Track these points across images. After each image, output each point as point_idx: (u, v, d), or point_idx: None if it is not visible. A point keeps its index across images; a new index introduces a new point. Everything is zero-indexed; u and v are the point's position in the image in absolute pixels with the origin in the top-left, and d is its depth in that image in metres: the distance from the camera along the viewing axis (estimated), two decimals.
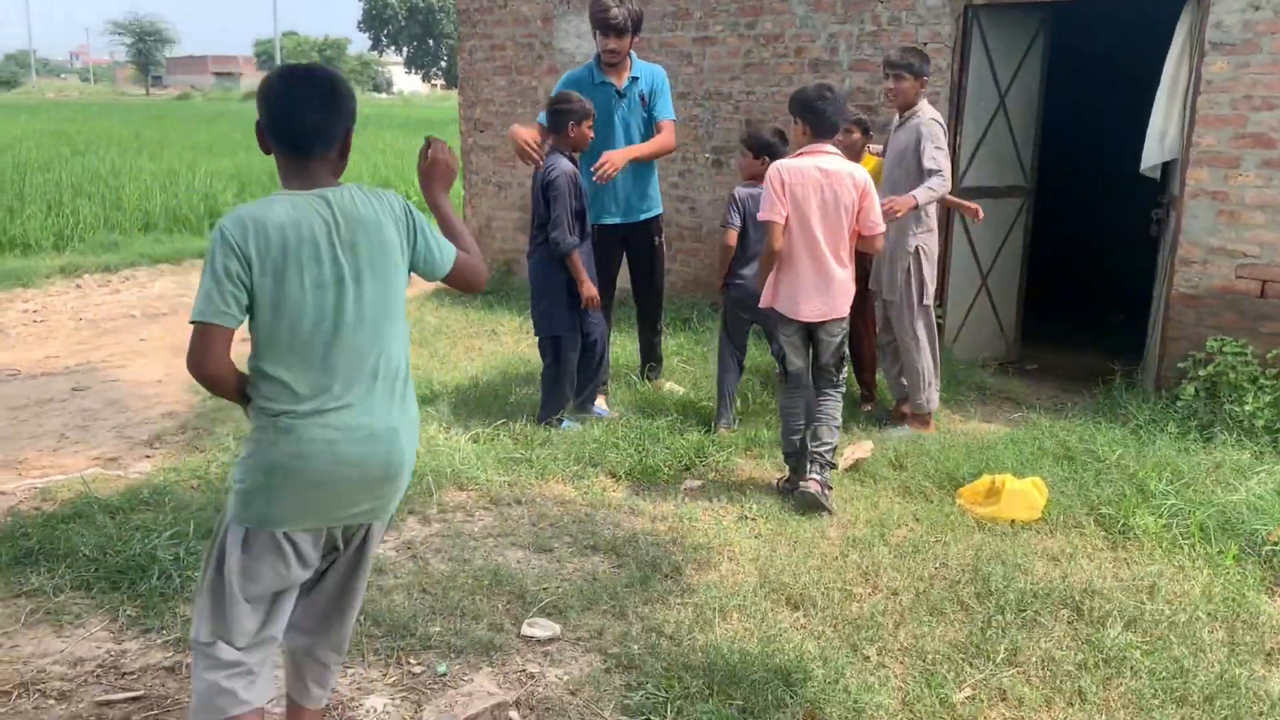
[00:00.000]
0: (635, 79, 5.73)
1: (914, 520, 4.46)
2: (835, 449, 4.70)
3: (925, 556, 4.09)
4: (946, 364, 6.48)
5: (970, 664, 3.33)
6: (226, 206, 13.73)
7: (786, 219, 4.51)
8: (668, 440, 5.24)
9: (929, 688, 3.18)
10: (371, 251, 2.46)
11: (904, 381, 5.78)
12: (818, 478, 4.58)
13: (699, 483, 4.88)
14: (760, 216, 4.60)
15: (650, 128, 5.79)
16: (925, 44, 6.53)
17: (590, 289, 5.40)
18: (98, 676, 3.27)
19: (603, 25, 5.52)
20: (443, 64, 66.91)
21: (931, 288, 5.60)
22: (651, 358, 6.23)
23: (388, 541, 4.23)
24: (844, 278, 4.63)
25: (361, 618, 3.56)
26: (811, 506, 4.49)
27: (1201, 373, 5.59)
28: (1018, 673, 3.29)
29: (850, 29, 6.90)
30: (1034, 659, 3.35)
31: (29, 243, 11.76)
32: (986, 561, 4.00)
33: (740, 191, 5.39)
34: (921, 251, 5.52)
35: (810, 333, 4.70)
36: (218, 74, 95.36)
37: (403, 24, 65.19)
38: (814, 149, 4.55)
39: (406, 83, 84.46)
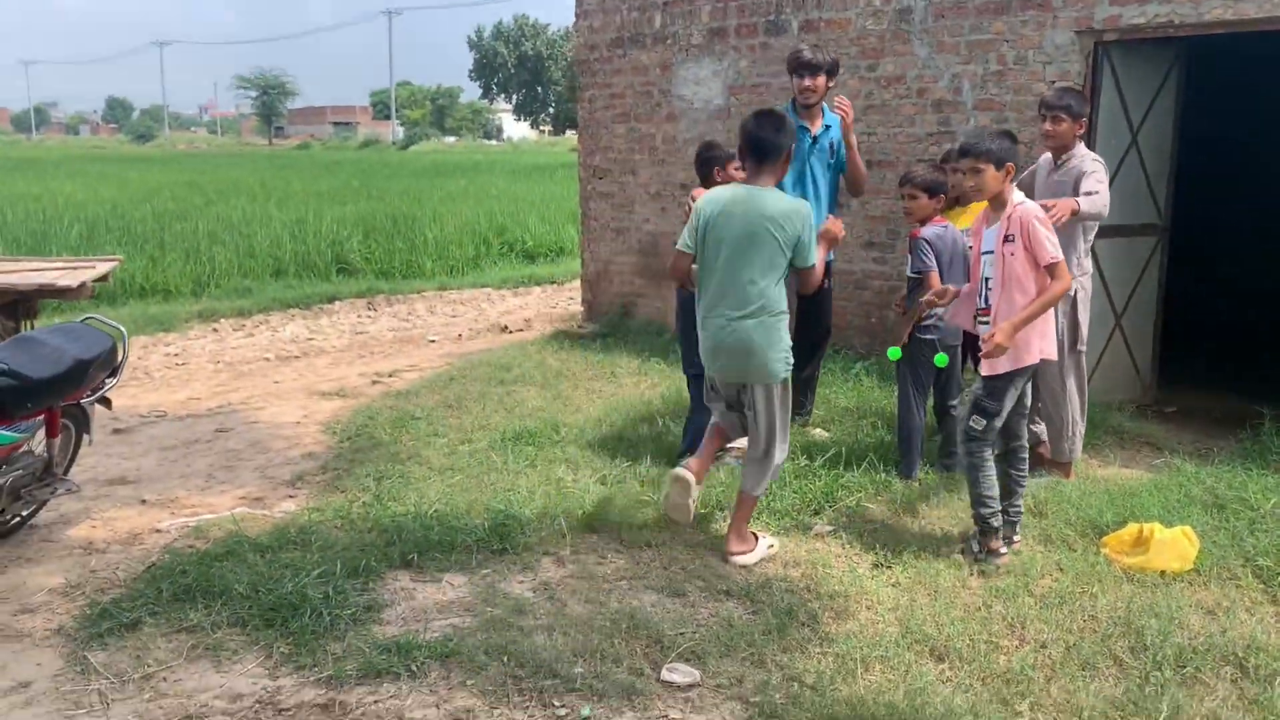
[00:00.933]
0: (828, 127, 5.82)
1: (1058, 570, 4.33)
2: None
3: (1073, 608, 3.96)
4: None
5: None
6: (353, 253, 14.24)
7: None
8: (794, 485, 5.21)
9: None
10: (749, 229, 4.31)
11: (1037, 426, 5.62)
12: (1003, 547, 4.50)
13: (830, 527, 4.82)
14: (1053, 257, 4.28)
15: (835, 176, 5.85)
16: (1054, 83, 6.42)
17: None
18: (256, 712, 3.38)
19: (798, 65, 5.66)
20: (550, 110, 68.39)
21: (1085, 333, 5.44)
22: (807, 394, 6.20)
23: (524, 582, 4.30)
24: None
25: (505, 658, 3.62)
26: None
27: None
28: None
29: (974, 69, 6.84)
30: (1198, 719, 3.21)
31: (169, 289, 12.40)
32: (1138, 614, 3.85)
33: (927, 232, 5.34)
34: (1079, 294, 5.38)
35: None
36: (336, 123, 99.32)
37: (512, 72, 66.95)
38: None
39: (515, 129, 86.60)
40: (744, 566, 4.44)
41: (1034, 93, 6.55)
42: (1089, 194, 5.05)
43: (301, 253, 14.14)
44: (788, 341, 4.52)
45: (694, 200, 5.41)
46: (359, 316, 11.59)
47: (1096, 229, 5.40)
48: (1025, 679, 3.45)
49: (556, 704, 3.39)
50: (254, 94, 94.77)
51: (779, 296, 4.44)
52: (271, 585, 4.10)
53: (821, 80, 5.68)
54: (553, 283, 13.98)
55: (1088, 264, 5.42)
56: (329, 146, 73.89)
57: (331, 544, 4.55)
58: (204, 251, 13.79)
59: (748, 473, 4.61)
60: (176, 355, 9.42)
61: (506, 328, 10.70)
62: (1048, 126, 5.25)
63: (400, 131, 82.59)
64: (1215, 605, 3.99)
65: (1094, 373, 6.72)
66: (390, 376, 8.39)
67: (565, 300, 12.45)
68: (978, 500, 4.44)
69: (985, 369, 4.41)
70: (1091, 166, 5.20)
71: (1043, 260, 4.30)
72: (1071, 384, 5.42)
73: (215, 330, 10.61)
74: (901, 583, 4.24)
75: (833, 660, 3.60)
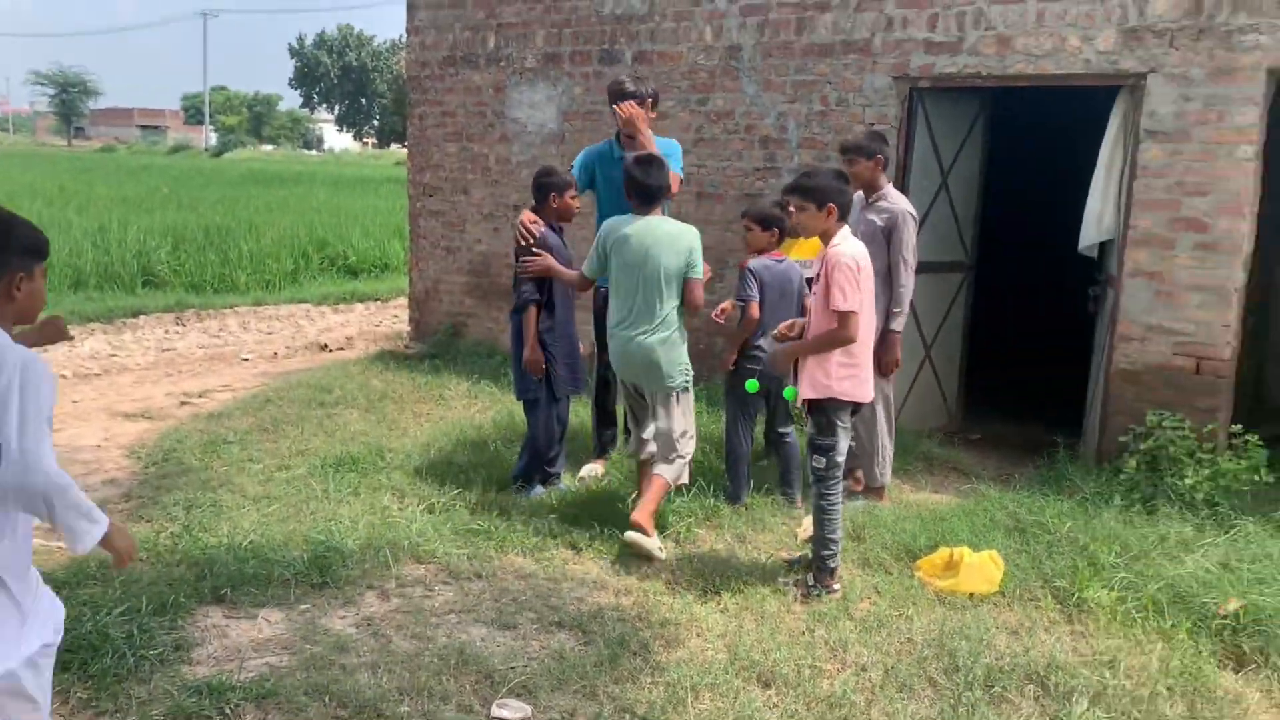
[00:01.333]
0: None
1: (876, 593, 4.50)
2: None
3: (890, 631, 4.12)
4: (895, 434, 6.59)
5: None
6: (161, 264, 13.47)
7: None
8: (627, 510, 5.22)
9: None
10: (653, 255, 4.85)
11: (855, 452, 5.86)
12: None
13: (663, 554, 4.86)
14: (841, 306, 4.31)
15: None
16: (872, 125, 6.73)
17: (535, 354, 5.43)
18: None
19: (619, 98, 5.64)
20: (375, 123, 66.88)
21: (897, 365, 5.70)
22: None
23: (346, 617, 4.14)
24: None
25: (326, 698, 3.47)
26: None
27: (1142, 446, 5.77)
28: None
29: (799, 108, 7.09)
30: None
31: None
32: (950, 636, 4.04)
33: (754, 264, 5.47)
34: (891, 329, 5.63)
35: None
36: (144, 126, 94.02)
37: (335, 82, 65.13)
38: (845, 230, 4.51)
39: (338, 141, 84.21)
40: (636, 544, 4.71)
41: (854, 133, 6.84)
42: (901, 286, 5.48)
43: (104, 263, 13.26)
44: (686, 357, 5.09)
45: (525, 222, 5.40)
46: (166, 332, 10.96)
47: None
48: (847, 703, 3.56)
49: None
50: (52, 91, 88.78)
51: (679, 316, 5.03)
52: (69, 625, 3.77)
53: (646, 109, 5.74)
54: (377, 300, 13.62)
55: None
56: (135, 150, 69.84)
57: (136, 579, 4.25)
58: None
59: (661, 467, 5.02)
60: None
61: (326, 346, 10.34)
62: (845, 169, 5.50)
63: (214, 137, 79.01)
64: (1019, 626, 4.23)
65: (905, 402, 7.06)
66: (200, 397, 7.97)
67: (390, 319, 12.15)
68: (821, 541, 4.49)
69: (803, 394, 4.55)
70: (906, 234, 5.47)
71: (833, 305, 4.37)
72: (880, 411, 5.67)
73: None
74: (730, 609, 4.31)
75: (663, 690, 3.62)
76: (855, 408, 4.60)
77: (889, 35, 6.64)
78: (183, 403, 7.77)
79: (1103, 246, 6.43)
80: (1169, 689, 3.70)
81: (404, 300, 11.77)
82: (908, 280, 5.50)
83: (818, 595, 4.44)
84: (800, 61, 7.05)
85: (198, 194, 24.05)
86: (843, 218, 4.48)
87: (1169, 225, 5.85)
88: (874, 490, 5.74)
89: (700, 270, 5.00)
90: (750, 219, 5.54)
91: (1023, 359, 9.30)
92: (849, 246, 4.45)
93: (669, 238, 4.94)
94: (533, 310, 5.38)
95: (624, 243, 4.96)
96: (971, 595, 4.46)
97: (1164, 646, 4.01)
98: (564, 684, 3.65)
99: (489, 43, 8.64)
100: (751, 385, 5.29)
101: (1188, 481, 5.48)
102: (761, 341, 5.34)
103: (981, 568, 4.57)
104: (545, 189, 5.46)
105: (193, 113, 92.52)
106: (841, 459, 4.53)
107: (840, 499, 4.54)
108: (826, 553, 4.48)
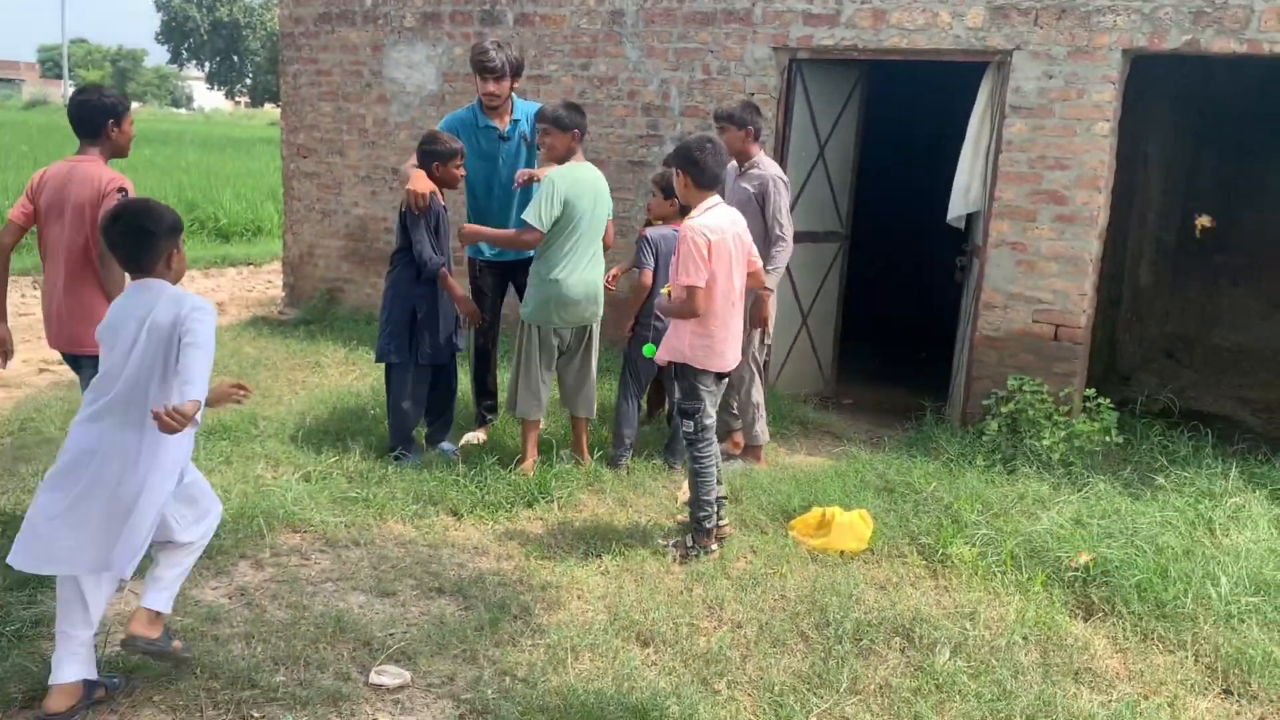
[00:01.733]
0: (516, 121, 5.73)
1: (751, 552, 4.62)
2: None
3: (765, 589, 4.24)
4: (772, 399, 6.75)
5: (815, 694, 3.47)
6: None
7: (708, 280, 4.43)
8: (507, 476, 5.23)
9: (778, 719, 3.30)
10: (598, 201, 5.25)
11: (734, 414, 5.99)
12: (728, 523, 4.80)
13: (541, 519, 4.89)
14: (684, 281, 4.41)
15: (534, 165, 5.80)
16: (753, 94, 6.82)
17: (469, 305, 5.54)
18: None
19: (481, 69, 5.49)
20: (248, 81, 64.40)
21: (771, 324, 5.82)
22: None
23: (219, 588, 4.05)
24: (740, 326, 4.77)
25: (198, 669, 3.40)
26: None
27: (1004, 409, 6.04)
28: (859, 701, 3.46)
29: (682, 76, 7.12)
30: (873, 687, 3.54)
31: None
32: (822, 592, 4.18)
33: (652, 233, 5.52)
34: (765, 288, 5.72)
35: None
36: None
37: (205, 38, 62.37)
38: (712, 203, 4.54)
39: (208, 99, 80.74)
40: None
41: (728, 103, 6.91)
42: (777, 239, 5.57)
43: None
44: None
45: (409, 180, 5.31)
46: (23, 297, 10.39)
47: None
48: (723, 659, 3.66)
49: (256, 715, 3.22)
50: None
51: None
52: None
53: (506, 85, 5.60)
54: (249, 264, 13.18)
55: (775, 261, 5.76)
56: None
57: None
58: None
59: (585, 401, 5.56)
60: None
61: None
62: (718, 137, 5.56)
63: (73, 93, 74.83)
64: (886, 581, 4.40)
65: (782, 368, 7.23)
66: (61, 364, 7.60)
67: (263, 284, 11.79)
68: (696, 503, 4.59)
69: (659, 358, 4.76)
70: (776, 191, 5.57)
71: (674, 278, 4.52)
72: (755, 372, 5.80)
73: None
74: (610, 571, 4.37)
75: (544, 652, 3.66)
76: (722, 374, 4.69)
77: (769, 6, 6.72)
78: (41, 370, 7.43)
79: (970, 218, 6.67)
80: (1024, 638, 3.91)
81: (278, 265, 11.43)
82: (781, 244, 5.59)
83: (696, 555, 4.54)
84: (683, 29, 7.07)
85: (57, 152, 22.74)
86: (706, 186, 4.50)
87: (1030, 198, 6.10)
88: (752, 450, 5.87)
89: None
90: (656, 185, 5.63)
91: (895, 327, 9.60)
92: (704, 219, 4.46)
93: (603, 181, 5.35)
94: (444, 272, 5.37)
95: (580, 188, 5.15)
96: (842, 553, 4.62)
97: (1020, 598, 4.23)
98: (444, 649, 3.65)
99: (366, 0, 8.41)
100: (648, 350, 5.34)
101: (1045, 442, 5.76)
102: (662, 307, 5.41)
103: (852, 526, 4.73)
104: (430, 155, 5.36)
105: (50, 66, 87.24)
106: (710, 421, 4.63)
107: (713, 461, 4.64)
108: (702, 514, 4.58)
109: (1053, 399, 6.01)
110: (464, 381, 6.18)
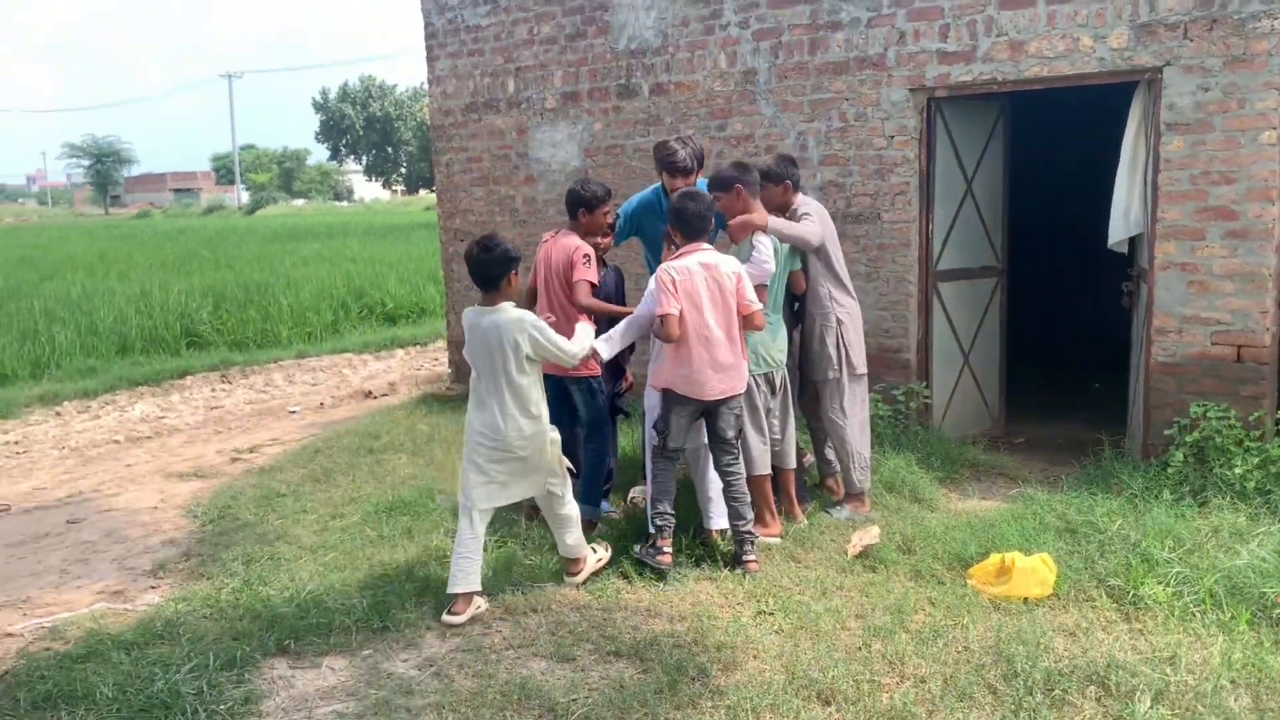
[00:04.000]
0: None
1: (930, 604, 4.50)
2: (750, 519, 5.07)
3: (947, 641, 4.13)
4: (939, 442, 6.61)
5: None
6: (204, 324, 13.75)
7: (680, 311, 4.84)
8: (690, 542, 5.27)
9: None
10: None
11: (830, 458, 5.93)
12: (753, 558, 4.96)
13: (710, 578, 4.90)
14: (656, 311, 4.89)
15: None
16: (892, 137, 6.79)
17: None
18: None
19: (669, 167, 5.61)
20: (402, 170, 67.70)
21: (859, 358, 5.71)
22: None
23: (408, 660, 4.22)
24: (738, 357, 4.98)
25: None
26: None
27: (1188, 438, 5.73)
28: None
29: (818, 126, 7.16)
30: None
31: (5, 373, 11.71)
32: (1007, 642, 4.04)
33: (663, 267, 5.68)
34: (840, 324, 5.66)
35: (707, 410, 5.02)
36: (177, 190, 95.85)
37: (360, 133, 66.01)
38: (691, 248, 4.97)
39: (367, 190, 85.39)
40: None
41: (874, 147, 6.91)
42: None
43: (148, 327, 13.56)
44: None
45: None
46: (213, 390, 11.20)
47: (835, 259, 5.68)
48: (908, 715, 3.58)
49: None
50: (86, 163, 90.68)
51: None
52: (140, 685, 3.90)
53: (693, 179, 5.66)
54: (416, 344, 13.81)
55: (844, 294, 5.68)
56: (170, 214, 71.19)
57: (201, 635, 4.37)
58: (42, 331, 13.09)
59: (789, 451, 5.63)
60: (17, 443, 8.90)
61: (371, 393, 10.51)
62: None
63: (246, 196, 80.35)
64: (1075, 627, 4.22)
65: (947, 409, 7.07)
66: (251, 452, 8.13)
67: (430, 362, 12.32)
68: (652, 503, 5.07)
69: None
70: (804, 209, 5.58)
71: (748, 310, 4.97)
72: (847, 417, 5.69)
73: (58, 414, 10.07)
74: (784, 628, 4.33)
75: (725, 713, 3.65)
76: (702, 406, 4.99)
77: (902, 49, 6.70)
78: (234, 459, 7.93)
79: (1133, 241, 6.42)
80: (1232, 682, 3.68)
81: (443, 343, 11.93)
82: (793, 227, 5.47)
83: (650, 556, 4.92)
84: (816, 80, 7.12)
85: (234, 252, 24.51)
86: (690, 237, 4.98)
87: (1197, 215, 5.83)
88: (853, 496, 5.76)
89: None
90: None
91: (1063, 359, 9.26)
92: (674, 262, 4.94)
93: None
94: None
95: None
96: (1026, 600, 4.46)
97: (1224, 639, 3.99)
98: (626, 713, 3.70)
99: (509, 87, 8.80)
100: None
101: (1237, 471, 5.44)
102: None
103: (1034, 571, 4.56)
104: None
105: (224, 173, 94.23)
106: (673, 445, 5.04)
107: (668, 477, 5.08)
108: (654, 511, 5.02)
109: (1241, 424, 5.67)
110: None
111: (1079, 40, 6.06)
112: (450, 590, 4.56)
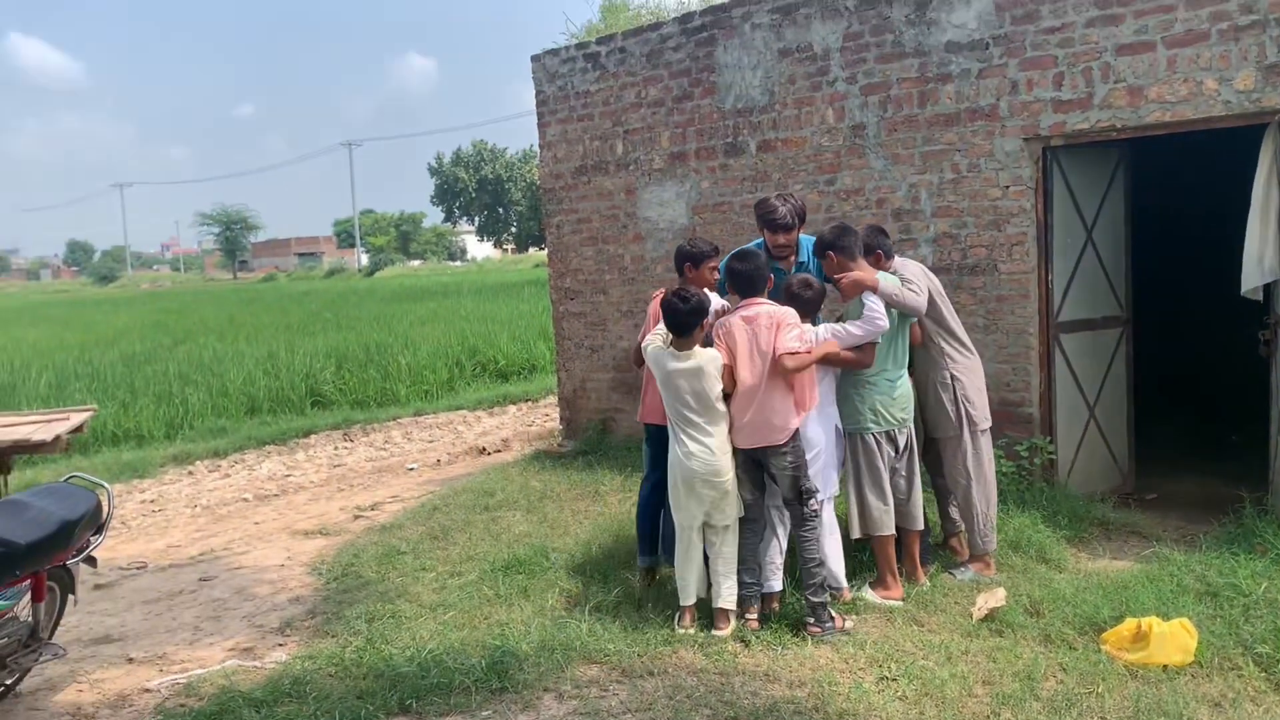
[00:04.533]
0: (803, 263, 5.80)
1: (1062, 671, 4.32)
2: (821, 585, 4.94)
3: (1081, 710, 3.95)
4: (1064, 499, 6.38)
5: None
6: (327, 384, 14.24)
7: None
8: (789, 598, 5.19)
9: None
10: None
11: (954, 517, 5.77)
12: (817, 627, 4.87)
13: (829, 641, 4.80)
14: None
15: None
16: (1008, 187, 6.68)
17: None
18: None
19: (771, 225, 5.66)
20: (512, 230, 69.38)
21: (980, 414, 5.56)
22: None
23: None
24: (773, 409, 4.95)
25: None
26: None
27: None
28: None
29: (930, 178, 7.08)
30: None
31: (142, 434, 12.30)
32: (1147, 713, 3.85)
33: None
34: (956, 380, 5.52)
35: (757, 463, 5.07)
36: (300, 254, 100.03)
37: (473, 195, 68.02)
38: (744, 304, 5.15)
39: (479, 250, 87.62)
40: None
41: (989, 198, 6.79)
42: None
43: (275, 388, 14.12)
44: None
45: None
46: (336, 449, 11.54)
47: (946, 313, 5.60)
48: None
49: None
50: (216, 230, 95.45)
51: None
52: None
53: (795, 235, 5.72)
54: (528, 400, 14.01)
55: (957, 351, 5.56)
56: (295, 278, 74.32)
57: (327, 694, 4.47)
58: (176, 394, 13.75)
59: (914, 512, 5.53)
60: (153, 502, 9.31)
61: (485, 449, 10.69)
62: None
63: (365, 258, 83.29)
64: (1221, 697, 4.00)
65: (1073, 465, 6.83)
66: (372, 510, 8.33)
67: (541, 418, 12.48)
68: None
69: None
70: (905, 273, 5.42)
71: (778, 353, 5.00)
72: (973, 471, 5.53)
73: (191, 473, 10.51)
74: (907, 695, 4.21)
75: None
76: (750, 455, 5.07)
77: (1015, 98, 6.60)
78: (356, 516, 8.14)
79: (1268, 288, 6.15)
80: None
81: (553, 399, 12.09)
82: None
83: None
84: (927, 132, 7.06)
85: (354, 313, 25.40)
86: (743, 293, 5.16)
87: None
88: (978, 557, 5.57)
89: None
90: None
91: (1197, 410, 8.87)
92: (724, 318, 5.16)
93: None
94: None
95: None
96: (1165, 668, 4.25)
97: None
98: None
99: (617, 149, 8.97)
100: None
101: None
102: None
103: (1173, 637, 4.34)
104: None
105: (344, 237, 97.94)
106: (744, 497, 5.13)
107: (751, 532, 5.15)
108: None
109: None
110: None
111: (1202, 84, 5.88)
112: (684, 602, 5.12)
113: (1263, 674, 4.15)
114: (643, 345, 5.32)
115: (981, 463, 5.57)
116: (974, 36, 6.73)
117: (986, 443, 5.63)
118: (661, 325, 5.16)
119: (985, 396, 5.66)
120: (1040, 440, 6.70)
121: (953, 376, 5.53)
